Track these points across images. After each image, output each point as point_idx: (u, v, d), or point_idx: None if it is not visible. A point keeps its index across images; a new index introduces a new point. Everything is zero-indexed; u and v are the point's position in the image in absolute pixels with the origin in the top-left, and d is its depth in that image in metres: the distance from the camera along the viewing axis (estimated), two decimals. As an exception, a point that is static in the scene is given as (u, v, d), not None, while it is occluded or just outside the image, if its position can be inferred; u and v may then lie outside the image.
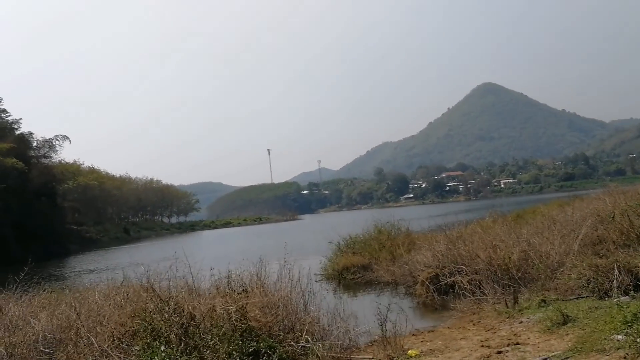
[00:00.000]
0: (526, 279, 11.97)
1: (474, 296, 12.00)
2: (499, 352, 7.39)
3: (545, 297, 10.10)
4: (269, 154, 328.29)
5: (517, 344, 7.69)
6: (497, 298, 11.25)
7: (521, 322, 9.04)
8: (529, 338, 7.90)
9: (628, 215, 13.07)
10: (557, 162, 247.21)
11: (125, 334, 7.78)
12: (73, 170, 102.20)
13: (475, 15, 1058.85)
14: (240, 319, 7.31)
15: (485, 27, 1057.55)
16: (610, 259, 10.06)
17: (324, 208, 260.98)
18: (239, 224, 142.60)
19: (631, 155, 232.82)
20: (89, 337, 7.67)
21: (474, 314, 10.94)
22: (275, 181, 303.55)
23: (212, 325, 7.33)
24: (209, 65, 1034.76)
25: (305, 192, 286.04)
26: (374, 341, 9.23)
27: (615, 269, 9.51)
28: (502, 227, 16.49)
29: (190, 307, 7.72)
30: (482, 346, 7.96)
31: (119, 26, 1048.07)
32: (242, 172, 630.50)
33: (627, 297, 8.90)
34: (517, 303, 10.32)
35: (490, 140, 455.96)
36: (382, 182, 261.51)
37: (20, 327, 8.62)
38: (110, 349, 7.34)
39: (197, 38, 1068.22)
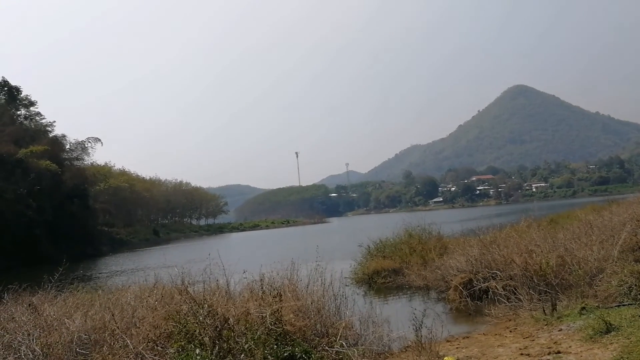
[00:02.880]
0: (564, 286, 11.65)
1: (509, 302, 11.75)
2: (540, 361, 7.18)
3: (585, 304, 9.79)
4: (297, 156, 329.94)
5: (559, 352, 7.46)
6: (533, 304, 10.99)
7: (561, 329, 8.78)
8: (570, 347, 7.66)
9: (670, 220, 12.67)
10: (591, 166, 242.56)
11: (159, 336, 7.78)
12: (104, 172, 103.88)
13: (506, 16, 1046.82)
14: (275, 323, 7.24)
15: (516, 29, 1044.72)
16: (653, 266, 9.75)
17: (352, 211, 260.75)
18: (267, 227, 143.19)
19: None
20: (124, 339, 7.68)
21: (509, 320, 10.69)
22: (303, 184, 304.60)
23: (246, 328, 7.28)
24: (239, 68, 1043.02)
25: (333, 195, 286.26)
26: (407, 347, 9.07)
27: (659, 276, 9.20)
28: (537, 232, 16.12)
29: (224, 310, 7.69)
30: (522, 354, 7.75)
31: (141, 28, 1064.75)
32: (270, 175, 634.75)
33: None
34: (556, 310, 10.05)
35: (522, 143, 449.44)
36: (411, 185, 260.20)
37: (56, 327, 8.67)
38: (145, 351, 7.33)
39: (230, 40, 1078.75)
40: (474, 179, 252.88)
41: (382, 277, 18.41)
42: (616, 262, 11.23)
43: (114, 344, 7.79)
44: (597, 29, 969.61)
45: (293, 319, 7.76)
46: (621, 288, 9.81)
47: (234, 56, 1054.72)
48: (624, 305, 9.41)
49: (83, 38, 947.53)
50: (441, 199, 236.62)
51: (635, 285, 9.51)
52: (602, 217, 18.02)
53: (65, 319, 8.95)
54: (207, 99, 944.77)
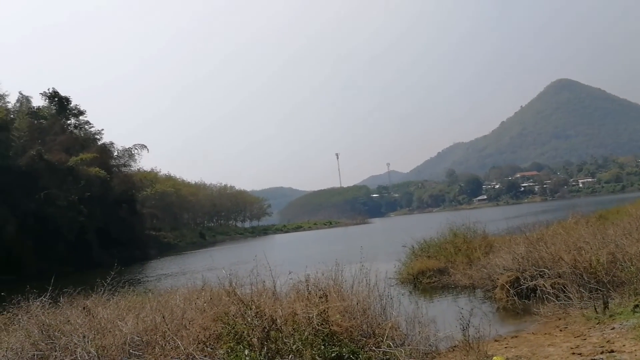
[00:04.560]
0: (615, 283, 11.37)
1: (558, 301, 11.53)
2: (593, 360, 7.03)
3: (639, 301, 9.53)
4: (338, 158, 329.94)
5: (612, 351, 7.28)
6: (584, 303, 10.75)
7: (613, 328, 8.57)
8: (624, 345, 7.47)
9: None
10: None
11: (209, 337, 7.95)
12: (151, 177, 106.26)
13: (548, 10, 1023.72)
14: (322, 324, 7.31)
15: (558, 22, 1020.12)
16: None
17: (394, 211, 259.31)
18: (310, 228, 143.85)
19: None
20: (174, 340, 7.88)
21: (559, 319, 10.49)
22: (344, 185, 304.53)
23: (293, 329, 7.38)
24: (284, 74, 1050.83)
25: (374, 195, 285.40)
26: (455, 346, 9.01)
27: None
28: (585, 229, 15.76)
29: (271, 311, 7.81)
30: (573, 353, 7.60)
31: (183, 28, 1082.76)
32: (312, 177, 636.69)
33: None
34: (608, 308, 9.80)
35: (567, 138, 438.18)
36: (454, 184, 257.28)
37: (109, 329, 8.94)
38: (196, 352, 7.51)
39: (268, 40, 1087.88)
40: (518, 175, 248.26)
41: (427, 277, 18.29)
42: (671, 258, 10.89)
43: (165, 345, 8.00)
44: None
45: (339, 320, 7.81)
46: (677, 285, 9.52)
47: (277, 63, 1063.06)
48: (679, 302, 9.13)
49: (128, 44, 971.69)
50: (485, 197, 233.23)
51: (691, 281, 9.22)
52: (654, 212, 17.49)
53: (118, 321, 9.23)
54: (249, 106, 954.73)
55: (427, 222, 47.51)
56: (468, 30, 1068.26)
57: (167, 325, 8.51)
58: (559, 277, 12.35)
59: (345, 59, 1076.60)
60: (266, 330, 7.42)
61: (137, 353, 8.16)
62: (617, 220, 18.10)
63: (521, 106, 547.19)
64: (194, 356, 7.43)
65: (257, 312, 7.66)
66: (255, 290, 9.38)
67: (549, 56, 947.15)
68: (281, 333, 7.36)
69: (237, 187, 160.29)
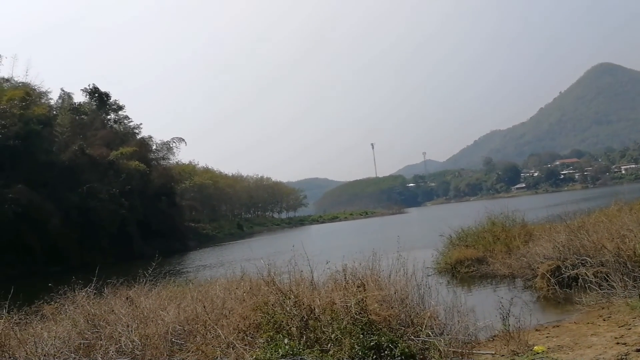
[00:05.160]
0: (661, 271, 11.08)
1: (601, 289, 11.30)
2: (638, 350, 6.88)
3: (685, 290, 9.29)
4: (373, 148, 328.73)
5: (658, 341, 7.14)
6: (628, 292, 10.52)
7: (659, 317, 8.38)
8: (670, 335, 7.31)
9: None
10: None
11: (249, 326, 8.06)
12: (189, 170, 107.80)
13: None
14: (360, 313, 7.34)
15: (599, 4, 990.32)
16: None
17: (430, 201, 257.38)
18: (345, 218, 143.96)
19: None
20: (215, 329, 8.02)
21: (602, 308, 10.29)
22: (380, 175, 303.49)
23: (332, 318, 7.42)
24: (320, 62, 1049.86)
25: (410, 185, 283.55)
26: (495, 336, 8.94)
27: None
28: (629, 216, 15.33)
29: (309, 301, 7.88)
30: (618, 343, 7.45)
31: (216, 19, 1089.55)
32: (347, 167, 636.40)
33: None
34: (654, 297, 9.58)
35: (608, 124, 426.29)
36: (492, 172, 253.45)
37: (152, 319, 9.14)
38: (236, 341, 7.62)
39: (297, 31, 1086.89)
40: (557, 163, 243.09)
41: (465, 267, 18.14)
42: None
43: (206, 334, 8.15)
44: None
45: (377, 309, 7.81)
46: None
47: (313, 50, 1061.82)
48: None
49: (172, 41, 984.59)
50: (524, 185, 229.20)
51: None
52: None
53: (160, 311, 9.44)
54: (284, 95, 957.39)
55: (464, 211, 47.04)
56: (504, 16, 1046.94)
57: (207, 314, 8.66)
58: (602, 265, 12.09)
59: (385, 49, 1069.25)
60: (305, 320, 7.48)
61: (179, 342, 8.33)
62: (663, 207, 17.59)
63: (560, 92, 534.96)
64: (235, 345, 7.54)
65: (296, 301, 7.74)
66: (293, 280, 9.45)
67: (589, 39, 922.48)
68: (319, 322, 7.42)
69: (273, 179, 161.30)
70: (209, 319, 8.50)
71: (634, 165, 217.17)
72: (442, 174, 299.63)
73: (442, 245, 20.74)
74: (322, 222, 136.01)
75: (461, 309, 9.24)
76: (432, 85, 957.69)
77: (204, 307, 8.98)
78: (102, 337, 8.50)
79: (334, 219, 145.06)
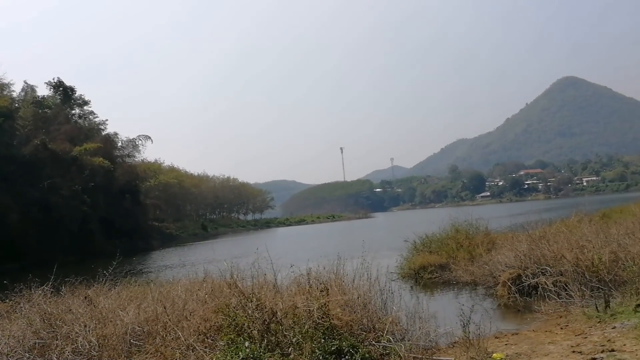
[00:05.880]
0: (617, 282, 11.37)
1: (559, 298, 11.51)
2: (593, 359, 7.01)
3: (641, 301, 9.52)
4: (342, 152, 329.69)
5: (612, 350, 7.27)
6: (585, 301, 10.75)
7: (614, 327, 8.56)
8: (624, 345, 7.46)
9: None
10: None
11: (210, 328, 7.97)
12: (154, 168, 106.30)
13: (555, 6, 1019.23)
14: (322, 317, 7.32)
15: (565, 19, 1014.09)
16: None
17: (397, 206, 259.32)
18: (313, 222, 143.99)
19: None
20: (175, 331, 7.90)
21: (560, 317, 10.48)
22: (348, 179, 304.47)
23: (294, 322, 7.38)
24: (287, 65, 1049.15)
25: (378, 190, 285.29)
26: (455, 342, 9.00)
27: None
28: (588, 227, 15.73)
29: (272, 304, 7.82)
30: (574, 352, 7.59)
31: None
32: (316, 171, 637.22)
33: None
34: (609, 307, 9.78)
35: (572, 136, 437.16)
36: (457, 180, 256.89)
37: (110, 319, 8.96)
38: (196, 343, 7.52)
39: (274, 32, 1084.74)
40: (522, 173, 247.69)
41: (428, 273, 18.28)
42: (674, 258, 10.87)
43: (166, 336, 8.02)
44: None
45: (340, 313, 7.81)
46: (680, 285, 9.49)
47: (283, 54, 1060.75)
48: (682, 303, 9.11)
49: (138, 36, 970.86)
50: (488, 194, 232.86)
51: (693, 282, 9.19)
52: (658, 211, 17.45)
53: (120, 311, 9.24)
54: (255, 97, 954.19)
55: (429, 218, 47.45)
56: (473, 27, 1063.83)
57: (168, 316, 8.53)
58: (561, 275, 12.34)
59: (354, 54, 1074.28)
60: (266, 323, 7.42)
61: (138, 343, 8.17)
62: (620, 220, 18.09)
63: (526, 103, 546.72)
64: (195, 347, 7.44)
65: (258, 304, 7.67)
66: (256, 282, 9.38)
67: (555, 54, 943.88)
68: (281, 326, 7.37)
69: (240, 180, 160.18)
70: (169, 320, 8.37)
71: (595, 178, 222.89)
72: (409, 180, 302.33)
73: (407, 250, 20.89)
74: (289, 225, 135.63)
75: (423, 314, 9.30)
76: (401, 92, 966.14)
77: (165, 308, 8.83)
78: (58, 337, 8.30)
79: (300, 222, 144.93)
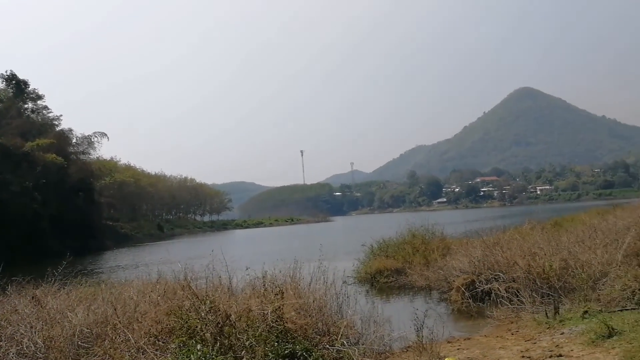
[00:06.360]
0: (566, 289, 11.65)
1: (511, 304, 11.73)
2: (542, 364, 7.16)
3: (588, 307, 9.77)
4: (302, 155, 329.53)
5: (560, 355, 7.44)
6: (536, 307, 10.97)
7: (563, 333, 8.76)
8: (572, 350, 7.64)
9: (675, 226, 12.66)
10: (596, 170, 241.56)
11: (161, 331, 7.81)
12: (110, 166, 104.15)
13: (514, 19, 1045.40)
14: (277, 321, 7.26)
15: (524, 32, 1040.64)
16: (657, 270, 9.71)
17: (355, 210, 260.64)
18: (271, 224, 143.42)
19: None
20: (125, 333, 7.71)
21: (511, 322, 10.67)
22: (308, 182, 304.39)
23: (247, 325, 7.29)
24: (248, 67, 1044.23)
25: (337, 194, 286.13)
26: (408, 347, 9.06)
27: (663, 281, 9.17)
28: (540, 235, 16.10)
29: (226, 307, 7.71)
30: (523, 357, 7.73)
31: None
32: (275, 173, 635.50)
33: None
34: (558, 313, 10.02)
35: (527, 145, 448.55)
36: (415, 185, 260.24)
37: (58, 320, 8.71)
38: (147, 345, 7.36)
39: (230, 36, 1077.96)
40: (478, 180, 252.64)
41: (384, 277, 18.39)
42: (620, 266, 11.21)
43: (115, 338, 7.82)
44: (607, 34, 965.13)
45: (294, 317, 7.76)
46: (624, 292, 9.80)
47: (244, 55, 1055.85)
48: (627, 309, 9.39)
49: (92, 33, 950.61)
50: (445, 200, 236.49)
51: (639, 289, 9.49)
52: (606, 221, 18.02)
53: (68, 312, 8.99)
54: (215, 98, 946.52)
55: (387, 222, 47.91)
56: (434, 37, 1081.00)
57: (118, 317, 8.32)
58: (513, 281, 12.57)
59: (314, 56, 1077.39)
60: (220, 326, 7.31)
61: (86, 345, 7.95)
62: (571, 228, 18.57)
63: (484, 112, 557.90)
64: (145, 350, 7.28)
65: (212, 307, 7.55)
66: (210, 285, 9.25)
67: (513, 65, 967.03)
68: (235, 329, 7.27)
69: (197, 180, 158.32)
70: (120, 322, 8.17)
71: (548, 187, 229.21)
72: (368, 184, 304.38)
73: (364, 255, 20.98)
74: (247, 227, 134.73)
75: (378, 319, 9.35)
76: (362, 97, 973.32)
77: (115, 309, 8.62)
78: (3, 338, 8.03)
79: (258, 224, 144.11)
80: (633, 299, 9.50)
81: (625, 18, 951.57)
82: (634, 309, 9.29)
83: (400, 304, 15.20)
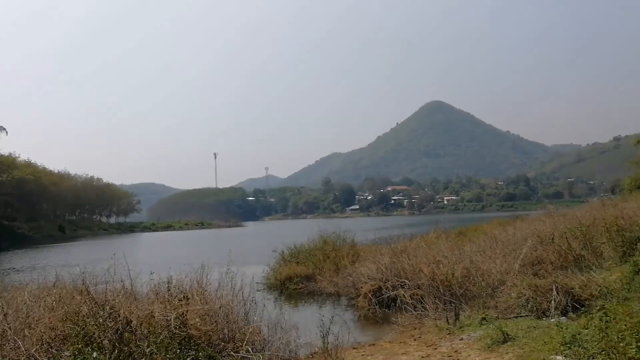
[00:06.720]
0: (467, 296, 12.11)
1: (415, 311, 12.08)
2: (441, 369, 7.38)
3: (486, 314, 10.22)
4: (215, 157, 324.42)
5: (458, 360, 7.72)
6: (438, 314, 11.34)
7: (462, 339, 9.10)
8: (469, 355, 7.95)
9: (566, 238, 13.51)
10: (500, 182, 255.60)
11: (55, 338, 7.37)
12: (8, 163, 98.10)
13: (428, 34, 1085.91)
14: (180, 327, 7.04)
15: (438, 47, 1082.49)
16: (549, 279, 10.30)
17: (269, 216, 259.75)
18: (181, 228, 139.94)
19: (569, 180, 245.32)
20: (15, 340, 7.22)
21: (415, 329, 10.97)
22: (221, 186, 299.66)
23: (149, 332, 7.03)
24: (159, 64, 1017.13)
25: (250, 198, 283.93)
26: (314, 353, 9.10)
27: (554, 289, 9.73)
28: (445, 243, 16.68)
29: (127, 312, 7.40)
30: (424, 362, 7.96)
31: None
32: (187, 175, 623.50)
33: (564, 317, 9.11)
34: (459, 320, 10.42)
35: (436, 157, 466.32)
36: (329, 192, 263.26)
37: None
38: (39, 353, 6.93)
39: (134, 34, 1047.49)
40: (389, 189, 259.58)
41: (294, 283, 18.42)
42: (517, 275, 11.79)
43: (4, 345, 7.31)
44: (514, 52, 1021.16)
45: (199, 323, 7.57)
46: (519, 300, 10.31)
47: (160, 51, 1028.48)
48: (521, 316, 9.90)
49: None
50: (357, 207, 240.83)
51: (532, 297, 10.02)
52: (506, 231, 18.91)
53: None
54: (132, 95, 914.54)
55: (300, 228, 48.08)
56: (350, 46, 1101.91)
57: (8, 323, 7.77)
58: (418, 288, 12.96)
59: (228, 57, 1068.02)
60: (119, 332, 7.00)
61: (-29, 354, 7.37)
62: (474, 238, 19.34)
63: (397, 123, 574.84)
64: (36, 358, 6.85)
65: (111, 312, 7.23)
66: (111, 289, 8.86)
67: (426, 78, 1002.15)
68: (135, 335, 6.99)
69: (105, 180, 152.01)
70: (9, 328, 7.63)
71: (455, 197, 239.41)
72: (283, 190, 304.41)
73: (275, 261, 20.92)
74: (155, 230, 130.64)
75: (285, 325, 9.31)
76: (279, 102, 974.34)
77: (5, 315, 8.05)
78: None
79: (167, 227, 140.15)
80: (527, 306, 10.02)
81: (525, 41, 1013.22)
82: (527, 315, 9.82)
83: (309, 311, 15.26)
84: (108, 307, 7.27)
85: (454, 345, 8.76)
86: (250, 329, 8.39)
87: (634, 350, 5.00)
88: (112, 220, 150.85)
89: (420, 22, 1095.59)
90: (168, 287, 8.86)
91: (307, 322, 11.32)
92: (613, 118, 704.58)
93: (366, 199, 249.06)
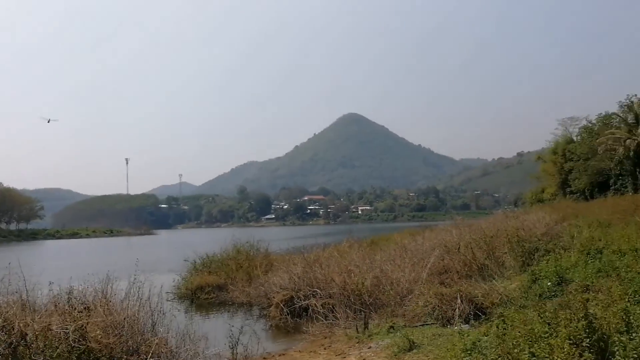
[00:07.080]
0: (377, 305, 12.34)
1: (326, 320, 12.15)
2: (348, 377, 7.45)
3: (393, 323, 10.45)
4: (127, 163, 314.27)
5: (366, 368, 7.82)
6: (348, 323, 11.47)
7: (370, 347, 9.24)
8: (376, 363, 8.08)
9: (471, 248, 14.12)
10: (411, 193, 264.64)
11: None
12: None
13: (345, 46, 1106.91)
14: (79, 340, 6.71)
15: (355, 59, 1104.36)
16: (454, 288, 10.67)
17: (182, 224, 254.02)
18: (88, 236, 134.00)
19: (476, 192, 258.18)
20: None
21: (325, 337, 11.04)
22: (132, 192, 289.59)
23: (45, 345, 6.65)
24: (74, 67, 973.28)
25: (163, 206, 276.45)
26: (223, 364, 8.94)
27: (458, 298, 10.10)
28: (357, 253, 16.95)
29: (21, 325, 6.96)
30: (332, 371, 8.01)
31: None
32: (97, 181, 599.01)
33: (467, 325, 9.47)
34: (367, 328, 10.58)
35: (352, 167, 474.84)
36: (245, 201, 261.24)
37: None
38: None
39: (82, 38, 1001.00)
40: (305, 198, 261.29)
41: (205, 293, 18.13)
42: (424, 284, 12.15)
43: None
44: (426, 69, 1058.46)
45: (100, 336, 7.24)
46: (426, 308, 10.62)
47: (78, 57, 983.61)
48: (427, 324, 10.20)
49: None
50: (273, 216, 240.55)
51: (438, 306, 10.34)
52: (415, 241, 19.49)
53: None
54: (35, 95, 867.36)
55: (213, 237, 47.34)
56: (274, 57, 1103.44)
57: None
58: (330, 297, 13.07)
59: (139, 60, 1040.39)
60: (13, 346, 6.59)
61: None
62: (385, 247, 19.79)
63: (315, 133, 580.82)
64: None
65: (4, 325, 6.78)
66: (5, 301, 8.31)
67: (343, 90, 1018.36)
68: (30, 349, 6.59)
69: (4, 184, 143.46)
70: None
71: (369, 207, 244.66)
72: (197, 198, 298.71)
73: (186, 270, 20.48)
74: (60, 238, 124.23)
75: (193, 336, 9.08)
76: (190, 108, 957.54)
77: None
78: None
79: (73, 235, 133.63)
80: (433, 314, 10.33)
81: (437, 57, 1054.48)
82: (433, 323, 10.12)
83: (220, 321, 15.03)
84: (1, 319, 6.81)
85: (362, 354, 8.88)
86: (157, 341, 8.13)
87: (527, 356, 5.26)
88: (13, 227, 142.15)
89: (339, 39, 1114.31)
90: (68, 298, 8.43)
91: (217, 332, 11.15)
92: (516, 135, 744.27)
93: (282, 208, 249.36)
